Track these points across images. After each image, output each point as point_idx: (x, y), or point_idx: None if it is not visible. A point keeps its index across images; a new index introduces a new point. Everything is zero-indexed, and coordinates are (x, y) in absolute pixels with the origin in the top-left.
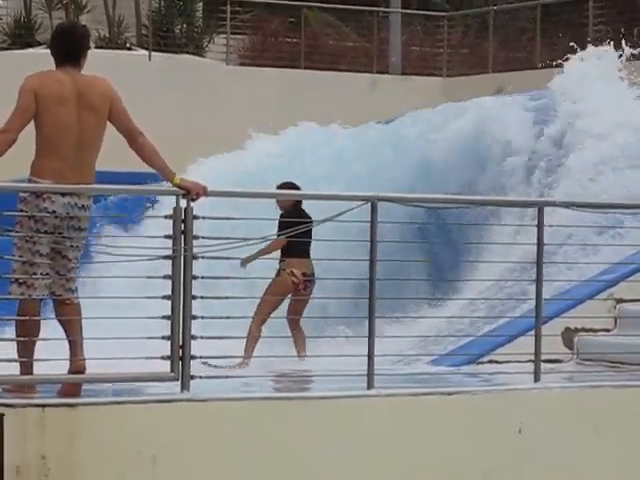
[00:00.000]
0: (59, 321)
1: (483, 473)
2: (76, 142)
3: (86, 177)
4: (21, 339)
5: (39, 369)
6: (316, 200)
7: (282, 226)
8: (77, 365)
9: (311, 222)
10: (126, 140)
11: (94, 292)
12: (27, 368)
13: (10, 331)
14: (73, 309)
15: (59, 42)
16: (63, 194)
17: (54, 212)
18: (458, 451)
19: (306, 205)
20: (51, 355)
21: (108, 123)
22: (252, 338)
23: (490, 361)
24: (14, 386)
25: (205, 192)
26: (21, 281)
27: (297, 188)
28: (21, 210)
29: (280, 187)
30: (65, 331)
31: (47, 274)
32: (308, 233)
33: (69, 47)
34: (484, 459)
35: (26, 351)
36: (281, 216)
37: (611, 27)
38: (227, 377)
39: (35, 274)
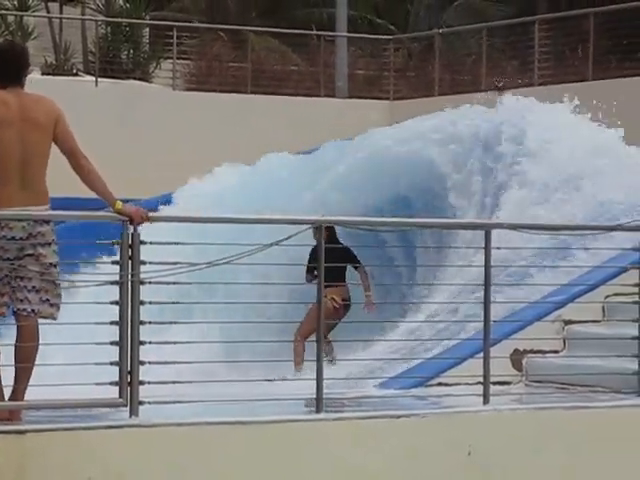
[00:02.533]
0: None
1: None
2: (20, 162)
3: (35, 196)
4: None
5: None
6: (261, 224)
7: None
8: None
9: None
10: (69, 162)
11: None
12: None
13: None
14: (28, 332)
15: (0, 63)
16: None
17: (13, 237)
18: (408, 474)
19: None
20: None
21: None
22: (298, 352)
23: (439, 384)
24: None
25: (147, 218)
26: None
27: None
28: None
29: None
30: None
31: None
32: (345, 260)
33: (10, 66)
34: None
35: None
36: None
37: (556, 49)
38: (176, 402)
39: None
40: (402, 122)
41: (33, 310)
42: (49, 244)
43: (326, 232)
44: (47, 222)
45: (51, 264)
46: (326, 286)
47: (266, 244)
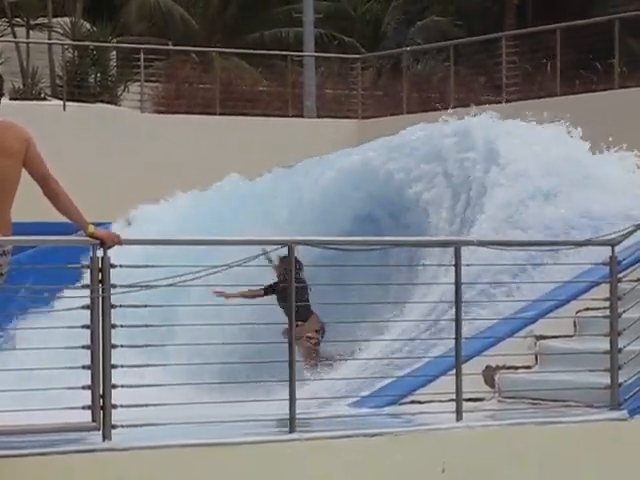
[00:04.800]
0: None
1: None
2: None
3: (2, 225)
4: None
5: None
6: (233, 245)
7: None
8: None
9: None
10: (40, 186)
11: (15, 343)
12: None
13: None
14: None
15: None
16: None
17: None
18: None
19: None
20: None
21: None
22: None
23: (412, 401)
24: None
25: (119, 241)
26: None
27: (300, 263)
28: None
29: (282, 260)
30: None
31: None
32: (306, 294)
33: None
34: None
35: None
36: (277, 283)
37: (523, 65)
38: (149, 425)
39: None
40: (370, 141)
41: None
42: (1, 275)
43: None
44: (6, 254)
45: None
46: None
47: (230, 263)
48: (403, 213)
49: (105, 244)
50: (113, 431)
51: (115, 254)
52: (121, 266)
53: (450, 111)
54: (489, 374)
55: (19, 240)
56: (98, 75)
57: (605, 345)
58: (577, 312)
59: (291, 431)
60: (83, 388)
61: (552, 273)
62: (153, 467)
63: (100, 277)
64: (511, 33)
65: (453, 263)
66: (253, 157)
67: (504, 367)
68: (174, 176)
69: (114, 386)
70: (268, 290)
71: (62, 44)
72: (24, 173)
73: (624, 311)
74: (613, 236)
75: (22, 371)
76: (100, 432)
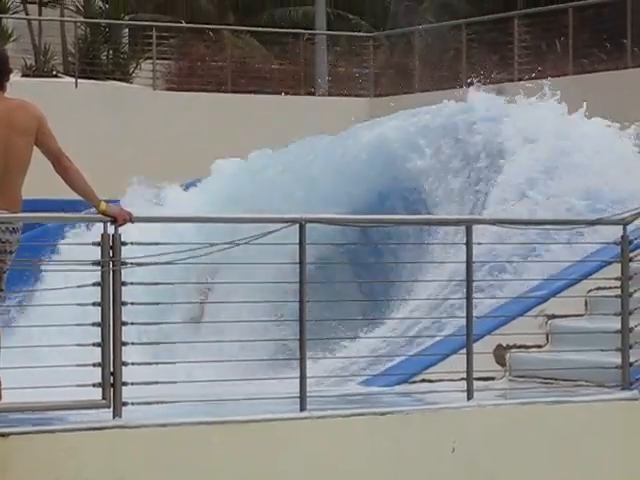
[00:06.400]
0: None
1: None
2: (2, 167)
3: (11, 201)
4: None
5: None
6: (244, 223)
7: None
8: None
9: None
10: (52, 164)
11: (23, 320)
12: None
13: None
14: None
15: None
16: None
17: None
18: (392, 472)
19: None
20: None
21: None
22: None
23: (422, 380)
24: None
25: (131, 218)
26: None
27: None
28: None
29: None
30: None
31: None
32: None
33: None
34: (419, 478)
35: None
36: None
37: (536, 44)
38: (159, 402)
39: None
40: (382, 118)
41: None
42: (11, 253)
43: None
44: (16, 232)
45: (4, 272)
46: None
47: (243, 239)
48: (420, 192)
49: (117, 221)
50: (123, 409)
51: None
52: (132, 243)
53: (462, 89)
54: (500, 353)
55: (29, 217)
56: (110, 52)
57: (616, 325)
58: (588, 291)
59: (302, 409)
60: (94, 365)
61: (563, 252)
62: (164, 445)
63: (111, 254)
64: (524, 12)
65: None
66: (264, 135)
67: (515, 346)
68: (185, 153)
69: (124, 363)
70: None
71: (74, 21)
72: (35, 150)
73: (635, 290)
74: (625, 215)
75: (33, 348)
76: (110, 410)
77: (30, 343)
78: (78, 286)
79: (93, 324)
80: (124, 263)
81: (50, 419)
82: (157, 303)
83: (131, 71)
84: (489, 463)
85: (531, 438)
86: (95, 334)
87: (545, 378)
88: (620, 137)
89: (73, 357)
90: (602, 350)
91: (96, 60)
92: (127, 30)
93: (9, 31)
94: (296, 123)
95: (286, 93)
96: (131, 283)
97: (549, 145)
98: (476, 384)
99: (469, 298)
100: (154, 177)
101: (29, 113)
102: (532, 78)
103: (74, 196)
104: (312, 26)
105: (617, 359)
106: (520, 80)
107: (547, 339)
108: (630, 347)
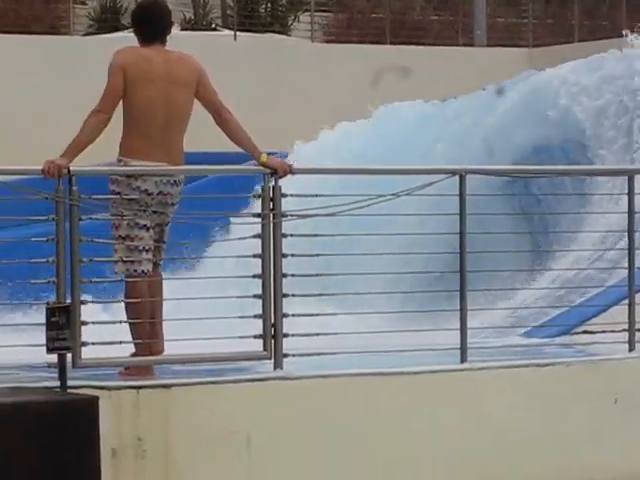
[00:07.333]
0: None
1: (579, 444)
2: (164, 120)
3: (174, 155)
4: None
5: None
6: (403, 175)
7: None
8: (157, 346)
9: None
10: (212, 116)
11: (184, 273)
12: (143, 349)
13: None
14: (158, 285)
15: (145, 20)
16: None
17: (146, 190)
18: (553, 423)
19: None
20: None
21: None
22: None
23: (584, 332)
24: (132, 368)
25: (291, 170)
26: (125, 259)
27: None
28: (113, 191)
29: None
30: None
31: (150, 249)
32: None
33: (155, 25)
34: (580, 430)
35: (140, 331)
36: None
37: None
38: (319, 354)
39: (139, 249)
40: (541, 70)
41: (143, 271)
42: (172, 205)
43: None
44: (178, 184)
45: (167, 224)
46: None
47: (404, 191)
48: (581, 143)
49: (277, 173)
50: (284, 360)
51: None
52: (292, 195)
53: (622, 39)
54: None
55: (191, 170)
56: (269, 5)
57: None
58: None
59: (462, 360)
60: (254, 317)
61: None
62: (324, 396)
63: (272, 206)
64: None
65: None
66: (422, 86)
67: None
68: (344, 105)
69: (285, 315)
70: None
71: None
72: (195, 103)
73: None
74: None
75: (195, 300)
76: (271, 361)
77: (191, 295)
78: (239, 238)
79: (254, 276)
80: (284, 215)
81: (211, 371)
82: (317, 255)
83: (289, 23)
84: None
85: None
86: (256, 286)
87: None
88: None
89: (234, 309)
90: None
91: (254, 13)
92: None
93: None
94: (455, 74)
95: (444, 44)
96: (291, 235)
97: None
98: (638, 335)
99: (631, 249)
100: (311, 129)
101: (189, 66)
102: None
103: (235, 148)
104: None
105: None
106: None
107: None
108: None
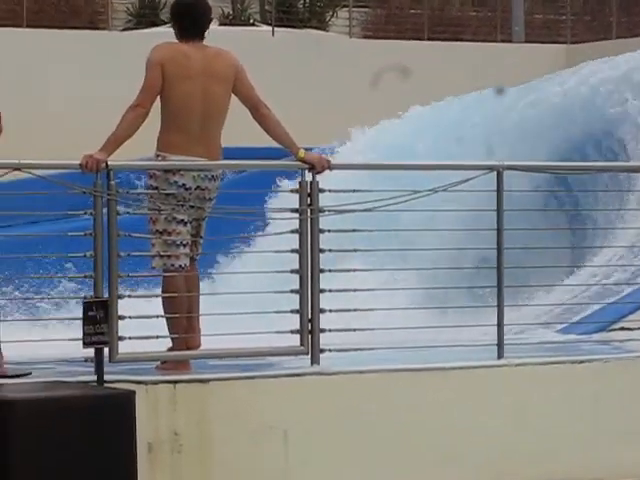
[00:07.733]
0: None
1: (617, 439)
2: (202, 115)
3: (212, 150)
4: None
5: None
6: (440, 170)
7: None
8: (194, 340)
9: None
10: (250, 111)
11: (222, 267)
12: (180, 343)
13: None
14: (195, 280)
15: (184, 16)
16: None
17: (184, 185)
18: (589, 420)
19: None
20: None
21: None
22: None
23: (621, 328)
24: (169, 363)
25: (329, 165)
26: (162, 253)
27: None
28: (151, 185)
29: None
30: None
31: (187, 243)
32: None
33: (195, 22)
34: (617, 426)
35: (177, 325)
36: None
37: None
38: (356, 350)
39: (177, 243)
40: (579, 66)
41: (180, 265)
42: (209, 200)
43: None
44: (215, 179)
45: (204, 219)
46: None
47: (441, 187)
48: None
49: (315, 168)
50: (321, 355)
51: None
52: (330, 191)
53: None
54: None
55: (229, 165)
56: (307, 0)
57: None
58: None
59: (499, 357)
60: (292, 312)
61: None
62: (361, 392)
63: (309, 201)
64: None
65: None
66: (460, 83)
67: None
68: (382, 100)
69: (322, 310)
70: None
71: None
72: (233, 98)
73: None
74: None
75: (232, 295)
76: (308, 356)
77: (229, 290)
78: (276, 233)
79: (291, 271)
80: (322, 210)
81: (249, 365)
82: (354, 250)
83: (328, 19)
84: None
85: None
86: (293, 281)
87: None
88: None
89: (271, 304)
90: None
91: (293, 8)
92: None
93: None
94: (492, 70)
95: (482, 40)
96: (328, 230)
97: None
98: None
99: None
100: (350, 124)
101: (227, 61)
102: None
103: (273, 144)
104: None
105: None
106: None
107: None
108: None
